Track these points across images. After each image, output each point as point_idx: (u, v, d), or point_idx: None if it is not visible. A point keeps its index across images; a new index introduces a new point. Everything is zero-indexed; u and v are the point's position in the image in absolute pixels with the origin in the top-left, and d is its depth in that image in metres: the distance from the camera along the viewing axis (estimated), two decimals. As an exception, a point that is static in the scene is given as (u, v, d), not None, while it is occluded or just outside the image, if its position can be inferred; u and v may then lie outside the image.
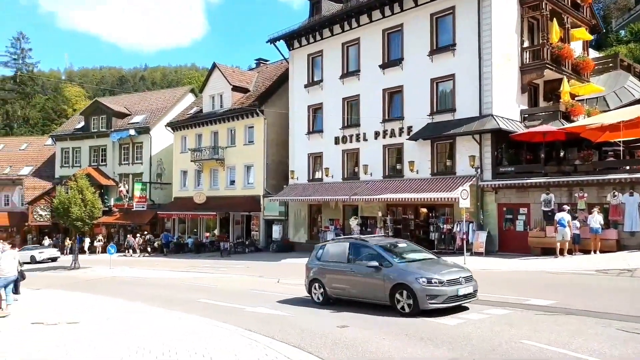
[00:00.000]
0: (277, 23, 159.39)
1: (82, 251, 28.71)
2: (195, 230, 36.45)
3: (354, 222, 25.95)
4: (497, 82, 21.04)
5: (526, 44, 22.65)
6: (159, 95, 45.89)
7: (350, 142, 26.50)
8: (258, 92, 33.84)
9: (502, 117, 20.86)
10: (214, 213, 33.82)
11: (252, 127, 32.95)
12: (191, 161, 35.84)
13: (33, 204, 40.81)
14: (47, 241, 40.01)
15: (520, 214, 19.74)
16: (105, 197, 40.43)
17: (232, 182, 34.28)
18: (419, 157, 23.22)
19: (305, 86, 29.02)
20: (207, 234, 34.93)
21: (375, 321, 9.53)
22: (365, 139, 25.75)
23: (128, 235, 37.40)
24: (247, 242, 31.61)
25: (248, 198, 32.47)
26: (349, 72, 26.89)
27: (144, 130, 40.05)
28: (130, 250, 35.47)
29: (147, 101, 44.70)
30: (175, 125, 38.24)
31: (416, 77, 23.56)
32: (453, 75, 22.28)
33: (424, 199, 21.50)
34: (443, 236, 22.14)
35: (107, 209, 40.20)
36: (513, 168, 20.25)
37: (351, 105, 26.89)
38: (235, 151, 33.85)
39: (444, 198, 20.44)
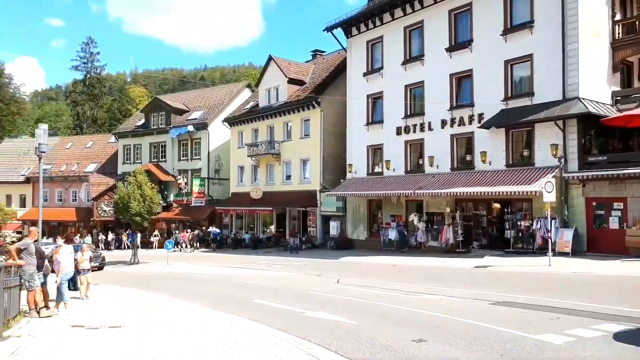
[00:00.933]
0: (334, 15, 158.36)
1: (132, 246, 28.61)
2: (252, 225, 35.86)
3: (415, 218, 24.21)
4: (584, 61, 18.60)
5: (618, 17, 19.96)
6: (216, 91, 45.88)
7: (414, 132, 24.70)
8: (314, 84, 32.66)
9: (590, 100, 18.39)
10: (270, 208, 33.02)
11: (308, 119, 31.82)
12: (248, 156, 35.26)
13: (97, 200, 41.81)
14: (110, 236, 40.96)
15: (615, 210, 17.26)
16: (165, 192, 40.78)
17: (288, 177, 33.33)
18: (491, 147, 21.10)
19: (364, 74, 27.47)
20: (271, 230, 34.20)
21: (457, 335, 7.93)
22: (430, 129, 23.86)
23: (175, 231, 37.55)
24: (303, 239, 30.52)
25: (304, 193, 31.39)
26: (412, 57, 25.07)
27: (201, 126, 40.00)
28: (182, 245, 35.56)
29: (205, 97, 44.76)
30: (232, 121, 37.85)
31: (487, 60, 21.45)
32: (530, 55, 20.00)
33: (499, 193, 19.37)
34: (520, 234, 19.90)
35: (166, 204, 40.58)
36: (605, 157, 17.72)
37: (414, 92, 25.10)
38: (291, 145, 32.87)
39: (523, 192, 18.27)
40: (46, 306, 10.49)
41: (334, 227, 28.98)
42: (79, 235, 41.14)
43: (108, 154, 47.96)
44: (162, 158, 42.53)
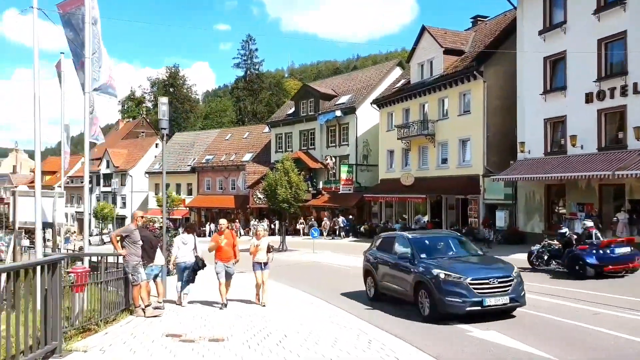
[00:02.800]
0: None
1: (281, 233, 27.75)
2: (404, 215, 32.85)
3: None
4: None
5: None
6: (364, 73, 43.65)
7: (611, 97, 19.18)
8: (475, 52, 28.26)
9: None
10: (424, 196, 29.63)
11: (468, 93, 27.62)
12: (398, 139, 32.27)
13: (253, 188, 42.83)
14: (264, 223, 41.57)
15: None
16: (314, 180, 39.97)
17: (444, 161, 29.54)
18: None
19: (540, 33, 22.45)
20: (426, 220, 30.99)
21: None
22: (636, 91, 18.21)
23: (325, 219, 36.30)
24: (463, 231, 26.56)
25: (463, 178, 27.38)
26: (609, 2, 19.49)
27: (349, 110, 38.12)
28: (328, 233, 34.62)
29: (353, 81, 42.86)
30: (380, 102, 35.19)
31: None
32: None
33: None
34: None
35: (316, 192, 39.73)
36: None
37: (610, 47, 19.51)
38: (448, 124, 29.00)
39: None
40: (158, 302, 9.03)
41: (500, 218, 24.57)
42: (237, 221, 42.71)
43: (262, 144, 49.13)
44: (311, 145, 41.82)
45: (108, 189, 62.23)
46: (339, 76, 49.97)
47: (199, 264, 10.60)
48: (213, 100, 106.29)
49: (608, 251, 13.10)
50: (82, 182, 68.37)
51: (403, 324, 8.67)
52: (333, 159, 38.75)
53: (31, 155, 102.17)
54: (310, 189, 37.97)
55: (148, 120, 77.72)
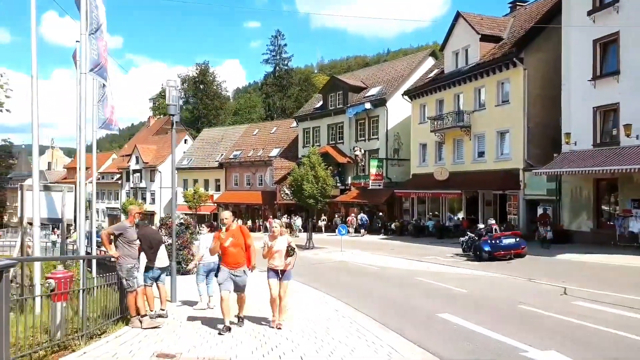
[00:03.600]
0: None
1: (307, 230, 26.58)
2: (437, 212, 31.23)
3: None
4: None
5: None
6: (395, 64, 41.97)
7: (673, 81, 17.23)
8: (514, 38, 26.41)
9: None
10: (459, 191, 27.99)
11: (507, 82, 25.83)
12: (431, 131, 30.64)
13: (280, 184, 41.88)
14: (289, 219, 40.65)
15: None
16: (343, 175, 38.72)
17: (481, 154, 27.81)
18: None
19: (589, 13, 20.53)
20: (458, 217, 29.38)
21: None
22: (703, 73, 16.24)
23: (352, 215, 34.98)
24: (502, 228, 24.83)
25: (502, 173, 25.64)
26: (669, -26, 17.52)
27: (379, 102, 36.63)
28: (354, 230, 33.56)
29: (384, 72, 41.29)
30: (412, 93, 33.58)
31: None
32: None
33: None
34: None
35: (344, 187, 38.48)
36: None
37: (671, 26, 17.53)
38: (484, 115, 27.24)
39: None
40: (161, 309, 7.98)
41: (543, 215, 22.74)
42: (270, 217, 41.77)
43: (290, 139, 48.13)
44: (339, 140, 40.53)
45: (138, 184, 62.49)
46: (369, 68, 48.30)
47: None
48: (242, 97, 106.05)
49: (498, 241, 17.64)
50: (112, 178, 69.37)
51: None
52: (362, 149, 37.38)
53: (66, 152, 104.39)
54: (338, 184, 36.75)
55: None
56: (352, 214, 35.34)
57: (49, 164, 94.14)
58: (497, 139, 26.48)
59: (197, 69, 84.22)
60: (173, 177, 10.88)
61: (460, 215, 29.19)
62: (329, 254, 23.06)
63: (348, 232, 33.05)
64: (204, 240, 9.61)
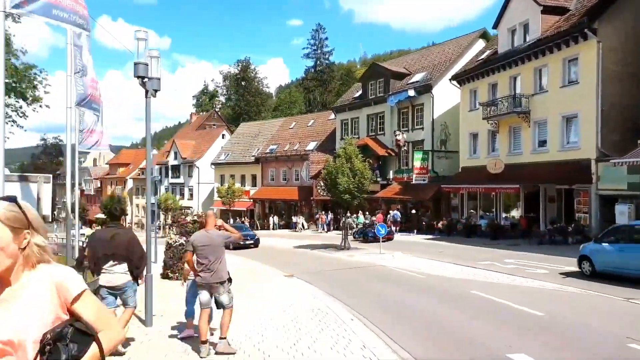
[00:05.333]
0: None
1: (343, 229, 23.83)
2: (492, 210, 27.82)
3: None
4: None
5: None
6: (441, 48, 38.46)
7: None
8: (583, 8, 22.73)
9: None
10: (516, 186, 24.54)
11: (575, 59, 22.22)
12: (483, 119, 27.26)
13: (316, 178, 39.35)
14: (329, 216, 38.15)
15: None
16: (383, 169, 35.82)
17: (542, 143, 24.29)
18: None
19: (684, -34, 16.81)
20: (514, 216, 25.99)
21: None
22: None
23: (393, 212, 31.98)
24: (569, 229, 21.38)
25: (569, 164, 22.09)
26: None
27: (424, 89, 33.44)
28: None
29: (429, 57, 37.97)
30: (461, 77, 30.22)
31: None
32: None
33: None
34: None
35: (385, 182, 35.57)
36: None
37: None
38: (547, 98, 23.70)
39: None
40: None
41: (622, 213, 19.07)
42: (321, 214, 39.32)
43: (327, 131, 45.54)
44: (379, 131, 37.56)
45: (176, 180, 61.68)
46: (412, 53, 44.60)
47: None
48: (282, 92, 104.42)
49: (374, 230, 23.47)
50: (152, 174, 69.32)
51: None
52: (403, 134, 34.28)
53: (113, 149, 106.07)
54: (378, 178, 33.88)
55: (219, 112, 77.16)
56: (392, 211, 32.37)
57: (95, 160, 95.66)
58: (562, 125, 22.91)
59: (238, 66, 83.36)
60: (148, 149, 8.37)
61: (516, 212, 25.77)
62: (366, 256, 20.35)
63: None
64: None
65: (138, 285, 6.39)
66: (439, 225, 29.44)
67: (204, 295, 6.24)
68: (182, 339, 7.09)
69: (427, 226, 30.53)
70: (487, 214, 27.87)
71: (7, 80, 15.01)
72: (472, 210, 29.09)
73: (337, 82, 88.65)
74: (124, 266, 6.10)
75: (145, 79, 7.01)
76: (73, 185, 12.45)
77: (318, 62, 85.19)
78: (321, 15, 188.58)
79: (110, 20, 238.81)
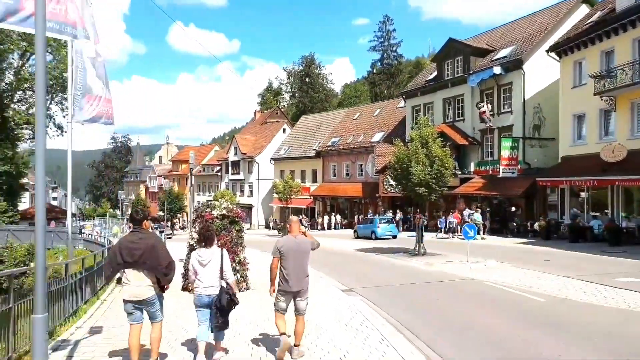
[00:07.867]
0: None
1: (417, 230, 19.26)
2: (605, 210, 22.18)
3: None
4: None
5: None
6: (532, 19, 32.58)
7: None
8: None
9: None
10: (645, 178, 18.92)
11: None
12: (595, 95, 21.74)
13: (383, 173, 34.97)
14: (398, 215, 33.77)
15: None
16: (463, 160, 30.83)
17: (683, 122, 18.55)
18: None
19: None
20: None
21: None
22: None
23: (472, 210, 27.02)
24: None
25: None
26: None
27: (513, 65, 28.11)
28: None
29: (515, 31, 32.39)
30: (562, 47, 24.69)
31: None
32: None
33: None
34: None
35: (465, 175, 30.55)
36: None
37: None
38: (692, 62, 17.96)
39: None
40: None
41: None
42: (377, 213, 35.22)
43: (396, 121, 40.91)
44: (458, 117, 32.48)
45: (236, 177, 59.48)
46: (495, 29, 38.53)
47: (223, 300, 5.92)
48: (347, 87, 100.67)
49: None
50: (212, 170, 67.42)
51: None
52: (489, 106, 29.07)
53: (179, 148, 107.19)
54: (457, 171, 28.95)
55: (282, 109, 74.96)
56: (474, 210, 27.38)
57: (160, 158, 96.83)
58: None
59: (303, 62, 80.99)
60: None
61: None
62: (448, 264, 15.85)
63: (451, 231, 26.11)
64: (194, 260, 6.16)
65: (164, 292, 5.87)
66: (535, 226, 24.12)
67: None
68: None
69: (519, 227, 25.27)
70: (600, 214, 22.25)
71: None
72: (575, 209, 23.60)
73: (405, 74, 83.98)
74: (148, 277, 5.56)
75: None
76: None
77: (385, 54, 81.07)
78: (388, 13, 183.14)
79: (182, 25, 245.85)
